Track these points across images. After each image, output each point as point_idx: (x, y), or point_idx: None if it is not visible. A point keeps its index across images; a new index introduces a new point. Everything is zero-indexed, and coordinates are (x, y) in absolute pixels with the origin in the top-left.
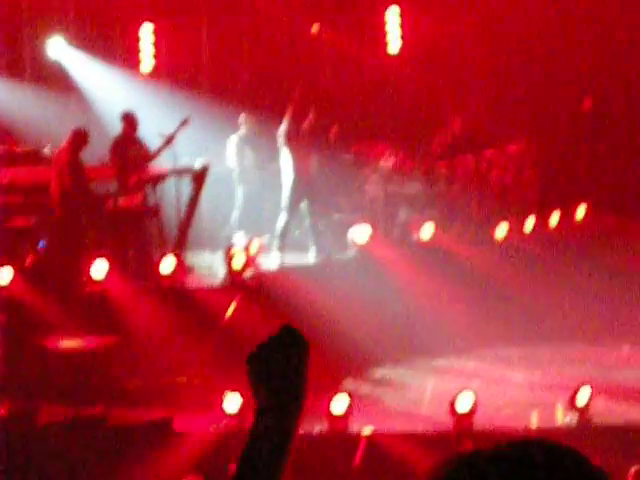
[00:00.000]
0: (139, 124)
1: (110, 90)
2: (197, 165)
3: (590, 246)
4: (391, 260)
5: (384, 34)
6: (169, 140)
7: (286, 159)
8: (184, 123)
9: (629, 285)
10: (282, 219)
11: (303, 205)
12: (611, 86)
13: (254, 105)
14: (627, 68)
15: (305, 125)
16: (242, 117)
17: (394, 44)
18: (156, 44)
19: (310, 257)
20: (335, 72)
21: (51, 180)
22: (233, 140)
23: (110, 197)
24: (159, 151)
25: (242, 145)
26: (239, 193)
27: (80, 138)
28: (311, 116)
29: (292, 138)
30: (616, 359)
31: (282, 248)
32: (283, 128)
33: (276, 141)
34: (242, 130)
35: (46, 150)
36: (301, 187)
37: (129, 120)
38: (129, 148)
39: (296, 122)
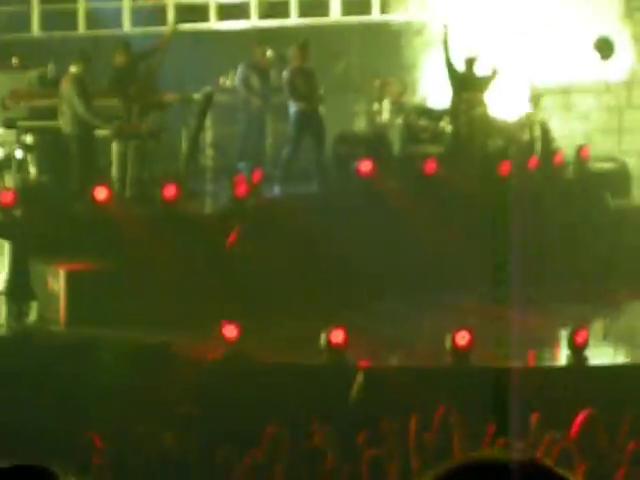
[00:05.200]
0: (130, 53)
1: (117, 14)
2: (202, 93)
3: (592, 184)
4: (395, 194)
5: None
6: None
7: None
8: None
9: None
10: (287, 149)
11: (309, 137)
12: None
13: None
14: None
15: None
16: (255, 46)
17: None
18: None
19: (314, 187)
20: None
21: (59, 104)
22: (243, 66)
23: (114, 121)
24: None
25: (250, 72)
26: (243, 119)
27: (83, 61)
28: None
29: (296, 87)
30: (614, 301)
31: (285, 178)
32: (286, 78)
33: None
34: (253, 58)
35: (49, 71)
36: (307, 120)
37: (122, 51)
38: (127, 80)
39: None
